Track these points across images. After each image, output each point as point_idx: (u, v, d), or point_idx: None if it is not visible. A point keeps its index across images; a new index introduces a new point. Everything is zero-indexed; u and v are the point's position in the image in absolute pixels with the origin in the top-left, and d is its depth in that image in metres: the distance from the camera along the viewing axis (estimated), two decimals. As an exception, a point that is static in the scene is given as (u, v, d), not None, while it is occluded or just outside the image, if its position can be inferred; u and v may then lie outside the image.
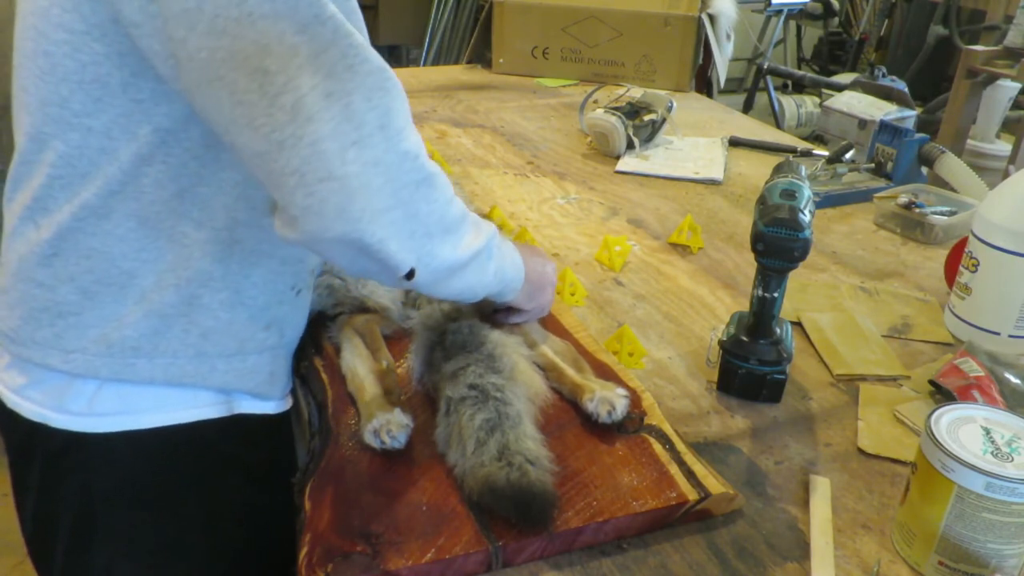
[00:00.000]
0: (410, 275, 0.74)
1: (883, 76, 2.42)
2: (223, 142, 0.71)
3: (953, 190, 1.59)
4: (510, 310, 1.02)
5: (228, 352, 0.85)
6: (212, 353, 0.84)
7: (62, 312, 0.79)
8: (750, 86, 4.14)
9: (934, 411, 0.75)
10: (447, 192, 0.76)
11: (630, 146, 1.79)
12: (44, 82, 0.74)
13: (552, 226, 1.46)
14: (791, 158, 1.48)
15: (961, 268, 1.12)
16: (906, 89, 2.11)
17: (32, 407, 0.82)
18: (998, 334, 1.09)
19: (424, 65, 4.17)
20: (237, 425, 0.89)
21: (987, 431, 0.74)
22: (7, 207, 0.82)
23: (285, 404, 0.96)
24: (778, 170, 0.98)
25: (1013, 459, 0.70)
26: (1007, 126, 3.21)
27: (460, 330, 0.95)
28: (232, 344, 0.85)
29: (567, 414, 0.91)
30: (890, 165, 1.66)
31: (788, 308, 1.14)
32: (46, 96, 0.74)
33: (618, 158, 1.78)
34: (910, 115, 1.86)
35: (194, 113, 0.73)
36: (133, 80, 0.72)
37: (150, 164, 0.76)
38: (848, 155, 1.71)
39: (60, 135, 0.75)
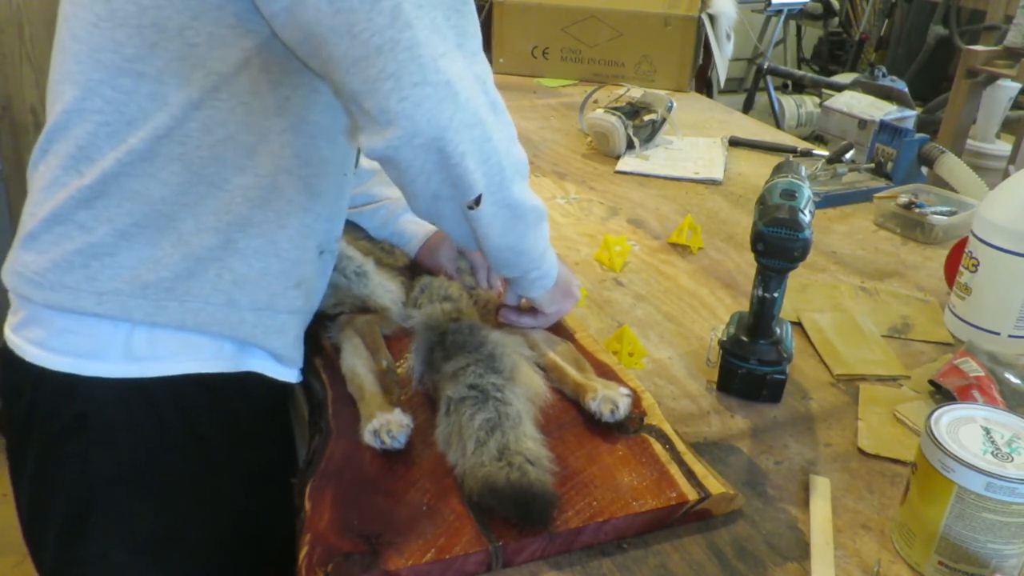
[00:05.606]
0: (477, 201, 0.78)
1: (883, 76, 2.41)
2: (309, 65, 0.75)
3: (953, 190, 1.59)
4: (522, 311, 1.02)
5: (259, 305, 0.86)
6: (243, 304, 0.84)
7: (96, 253, 0.79)
8: (750, 86, 4.14)
9: (934, 411, 0.75)
10: (510, 128, 0.81)
11: (630, 146, 1.79)
12: (99, 28, 0.75)
13: (552, 226, 1.44)
14: (791, 158, 1.48)
15: (961, 268, 1.12)
16: (906, 89, 2.11)
17: (58, 358, 0.81)
18: (998, 334, 1.09)
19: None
20: (250, 392, 0.89)
21: (987, 431, 0.74)
22: (41, 160, 0.82)
23: (298, 377, 0.96)
24: (778, 170, 0.98)
25: (1013, 459, 0.70)
26: (1007, 126, 3.20)
27: (460, 330, 0.95)
28: (264, 297, 0.86)
29: (567, 414, 0.91)
30: (890, 165, 1.66)
31: (788, 308, 1.14)
32: (99, 43, 0.76)
33: (618, 158, 1.78)
34: (910, 115, 1.85)
35: (252, 55, 0.75)
36: (192, 23, 0.74)
37: (198, 109, 0.76)
38: (848, 155, 1.72)
39: (110, 81, 0.76)
